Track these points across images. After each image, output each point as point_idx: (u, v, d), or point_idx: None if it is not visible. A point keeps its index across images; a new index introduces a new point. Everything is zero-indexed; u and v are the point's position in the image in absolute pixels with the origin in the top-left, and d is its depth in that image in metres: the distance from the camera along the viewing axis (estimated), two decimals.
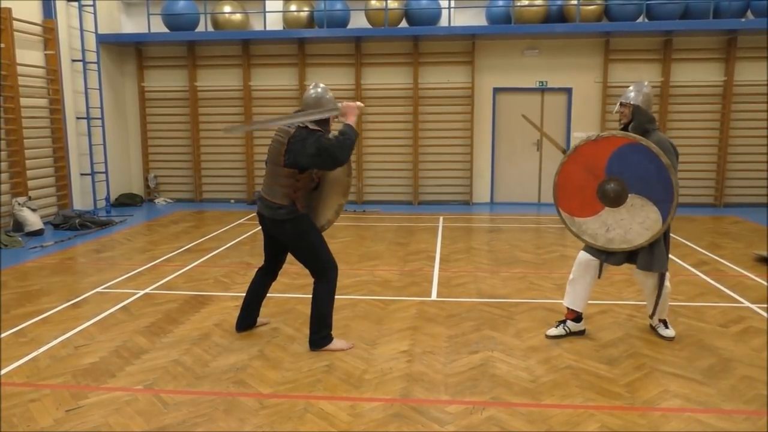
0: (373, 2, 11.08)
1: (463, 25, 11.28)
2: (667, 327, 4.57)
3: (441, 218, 10.01)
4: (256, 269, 4.67)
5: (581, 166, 4.23)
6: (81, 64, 10.58)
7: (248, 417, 3.37)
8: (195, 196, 12.14)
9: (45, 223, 9.01)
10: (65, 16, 10.37)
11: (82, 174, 10.81)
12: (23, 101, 9.21)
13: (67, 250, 7.77)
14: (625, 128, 4.33)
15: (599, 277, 4.46)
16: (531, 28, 10.74)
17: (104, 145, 11.02)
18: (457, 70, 11.42)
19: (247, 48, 11.68)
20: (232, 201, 12.10)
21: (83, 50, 10.54)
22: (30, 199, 9.04)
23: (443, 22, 11.22)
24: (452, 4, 11.15)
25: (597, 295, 5.57)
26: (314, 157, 4.00)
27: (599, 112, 11.26)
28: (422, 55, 11.40)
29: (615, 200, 4.16)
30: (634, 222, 4.13)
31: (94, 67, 10.84)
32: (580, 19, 10.55)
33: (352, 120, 4.15)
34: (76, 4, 10.48)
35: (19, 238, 8.12)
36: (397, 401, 3.54)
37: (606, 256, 4.35)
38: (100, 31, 10.95)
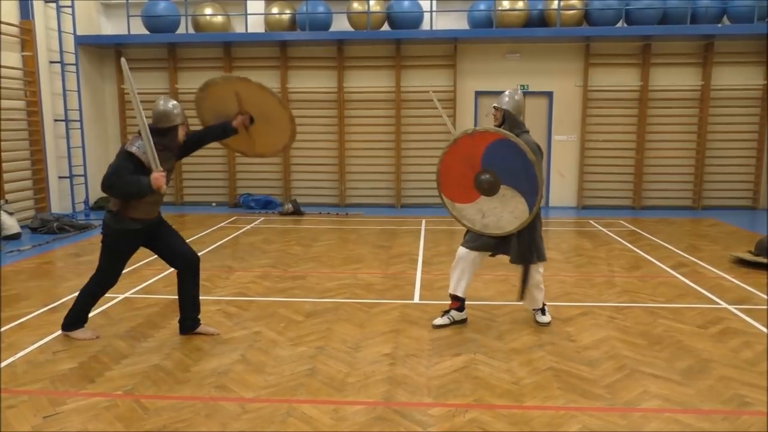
0: (355, 5, 11.09)
1: (445, 28, 11.34)
2: (543, 314, 4.90)
3: (423, 221, 10.03)
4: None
5: (460, 157, 4.48)
6: (59, 65, 10.45)
7: (230, 422, 3.34)
8: (176, 198, 12.03)
9: (22, 227, 8.87)
10: (43, 17, 10.23)
11: (60, 177, 10.66)
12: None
13: (45, 254, 7.66)
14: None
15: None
16: (512, 32, 10.81)
17: (83, 147, 10.89)
18: (440, 74, 11.47)
19: (229, 50, 11.62)
20: (214, 204, 12.01)
21: (61, 52, 10.42)
22: (7, 202, 8.89)
23: (425, 25, 11.26)
24: (434, 7, 11.21)
25: (578, 297, 5.62)
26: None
27: (580, 115, 11.38)
28: (404, 58, 11.43)
29: (489, 190, 4.45)
30: (505, 211, 4.45)
31: (73, 68, 10.71)
32: (560, 23, 10.67)
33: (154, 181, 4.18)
34: (53, 4, 10.35)
35: None
36: (380, 404, 3.54)
37: (479, 245, 4.72)
38: (78, 33, 10.83)
